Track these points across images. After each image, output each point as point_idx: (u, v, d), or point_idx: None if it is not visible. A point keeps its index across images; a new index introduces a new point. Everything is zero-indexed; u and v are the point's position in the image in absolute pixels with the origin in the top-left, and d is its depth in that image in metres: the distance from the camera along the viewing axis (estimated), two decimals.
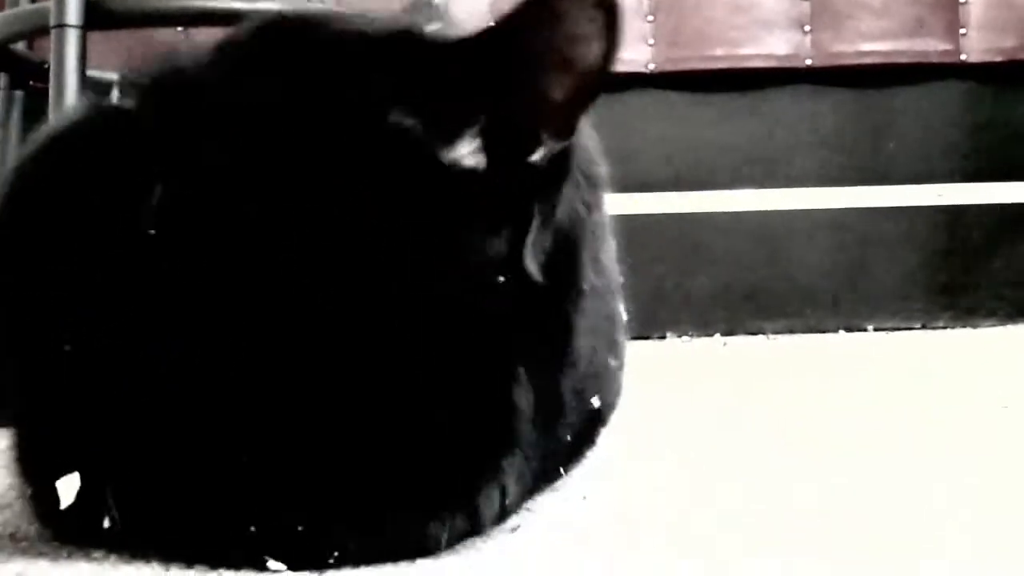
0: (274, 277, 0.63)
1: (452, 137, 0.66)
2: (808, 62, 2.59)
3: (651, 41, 2.58)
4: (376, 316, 0.63)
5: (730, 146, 2.63)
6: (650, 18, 2.58)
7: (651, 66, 2.59)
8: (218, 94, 0.67)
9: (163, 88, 0.69)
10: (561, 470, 0.86)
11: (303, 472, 0.65)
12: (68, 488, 0.66)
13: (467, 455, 0.69)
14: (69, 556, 0.69)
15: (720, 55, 2.60)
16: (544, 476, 0.81)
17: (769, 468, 0.99)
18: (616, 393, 0.96)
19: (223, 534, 0.66)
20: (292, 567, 0.66)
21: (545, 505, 0.86)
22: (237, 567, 0.66)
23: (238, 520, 0.65)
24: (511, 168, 0.67)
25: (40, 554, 0.69)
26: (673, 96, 2.64)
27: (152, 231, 0.64)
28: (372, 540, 0.67)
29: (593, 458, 1.00)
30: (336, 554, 0.66)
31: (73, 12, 1.39)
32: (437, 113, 0.65)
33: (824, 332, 2.56)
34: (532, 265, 0.67)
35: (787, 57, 2.59)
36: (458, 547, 0.72)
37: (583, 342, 0.76)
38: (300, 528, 0.65)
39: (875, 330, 2.58)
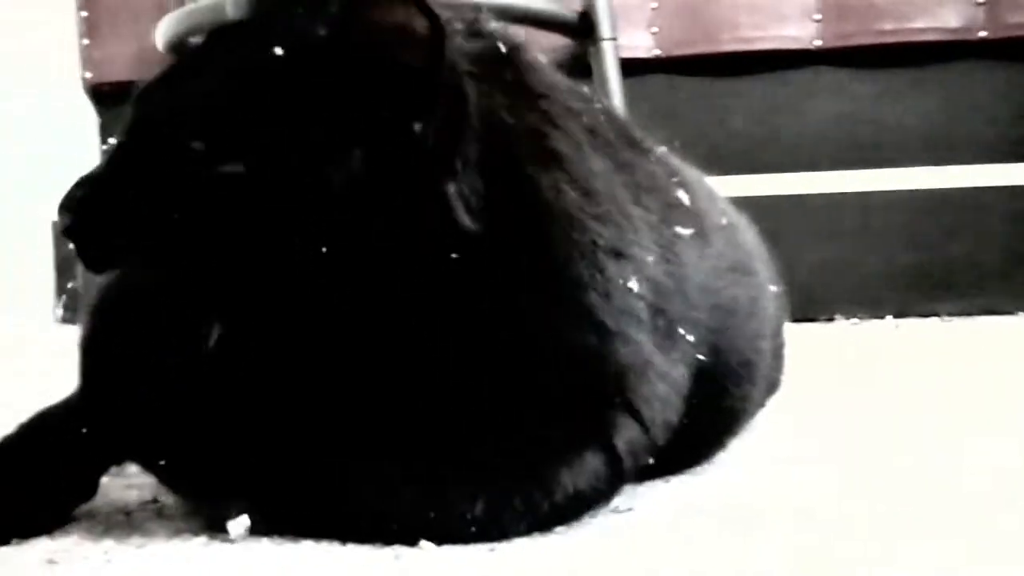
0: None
1: (340, 161, 0.69)
2: (982, 34, 2.50)
3: (817, 16, 2.53)
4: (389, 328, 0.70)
5: (900, 123, 2.56)
6: None
7: (817, 42, 2.54)
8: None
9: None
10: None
11: (433, 458, 0.71)
12: (238, 528, 0.71)
13: (560, 400, 0.73)
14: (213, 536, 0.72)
15: (889, 29, 2.53)
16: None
17: (938, 457, 0.97)
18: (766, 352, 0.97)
19: (375, 526, 0.71)
20: (439, 543, 0.70)
21: (703, 486, 0.86)
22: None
23: (386, 512, 0.71)
24: (401, 166, 0.69)
25: (188, 531, 0.74)
26: (840, 72, 2.58)
27: None
28: (498, 507, 0.71)
29: (755, 446, 1.00)
30: (473, 529, 0.70)
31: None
32: (316, 141, 0.69)
33: (1001, 314, 2.47)
34: (466, 220, 0.70)
35: (960, 30, 2.51)
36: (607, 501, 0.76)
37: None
38: (432, 511, 0.70)
39: None
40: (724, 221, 0.93)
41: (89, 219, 0.72)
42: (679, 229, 0.82)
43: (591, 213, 0.74)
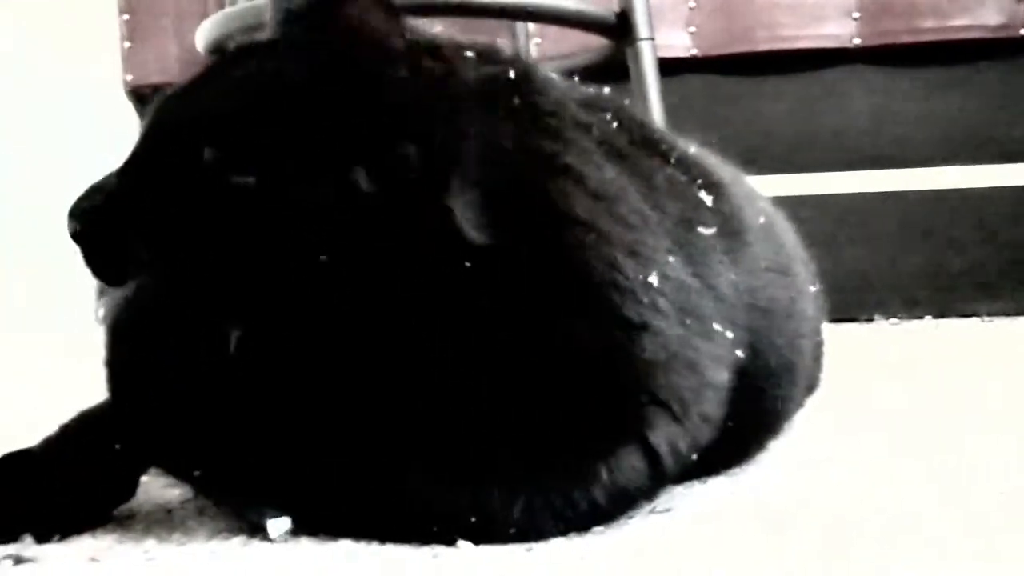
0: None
1: (343, 177, 0.70)
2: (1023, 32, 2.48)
3: (856, 15, 2.52)
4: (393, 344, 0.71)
5: (940, 121, 2.54)
6: None
7: (856, 41, 2.53)
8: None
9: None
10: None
11: (471, 458, 0.71)
12: (277, 528, 0.72)
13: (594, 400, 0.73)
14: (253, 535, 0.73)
15: (929, 27, 2.51)
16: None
17: (978, 458, 0.96)
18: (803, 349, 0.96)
19: (414, 524, 0.72)
20: (476, 542, 0.71)
21: (741, 486, 0.86)
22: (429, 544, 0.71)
23: (424, 512, 0.71)
24: (397, 189, 0.70)
25: (228, 529, 0.75)
26: (880, 71, 2.57)
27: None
28: (536, 507, 0.72)
29: (793, 447, 1.00)
30: (512, 530, 0.71)
31: None
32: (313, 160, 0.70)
33: None
34: (473, 234, 0.70)
35: (1000, 27, 2.49)
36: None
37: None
38: (470, 511, 0.71)
39: None
40: (761, 220, 0.92)
41: (96, 226, 0.74)
42: (701, 229, 0.82)
43: (605, 215, 0.75)
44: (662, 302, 0.75)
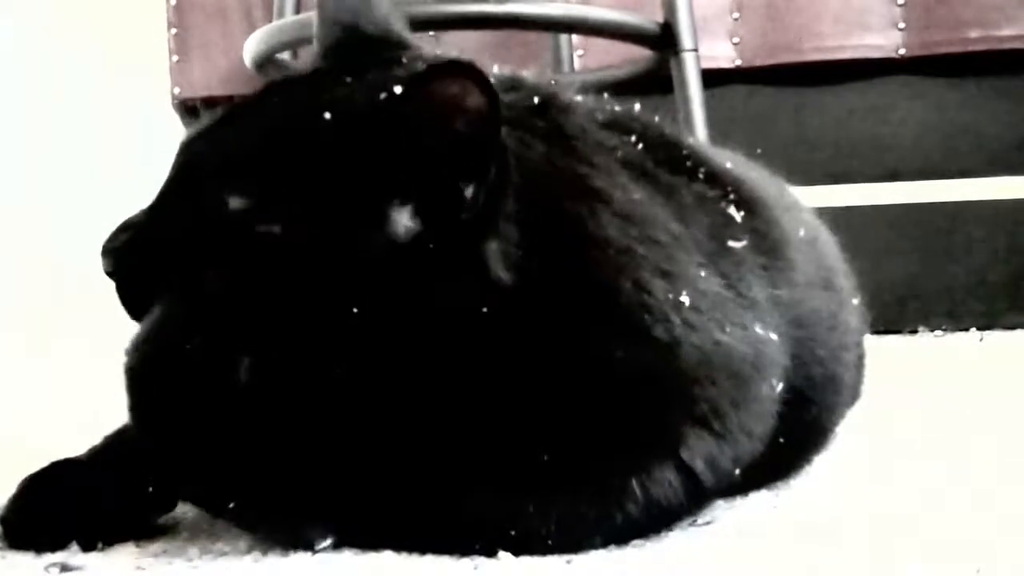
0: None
1: (380, 217, 0.69)
2: None
3: (901, 25, 2.50)
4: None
5: (987, 132, 2.52)
6: (900, 1, 2.50)
7: (902, 51, 2.51)
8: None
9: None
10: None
11: (508, 473, 0.72)
12: (323, 543, 0.72)
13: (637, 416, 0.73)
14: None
15: (976, 37, 2.48)
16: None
17: (1021, 474, 0.96)
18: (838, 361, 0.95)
19: (454, 535, 0.72)
20: (516, 554, 0.71)
21: (783, 500, 0.86)
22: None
23: (464, 524, 0.72)
24: (447, 229, 0.69)
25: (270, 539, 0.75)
26: (926, 81, 2.55)
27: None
28: (571, 519, 0.72)
29: (836, 459, 0.99)
30: (549, 542, 0.71)
31: None
32: (356, 199, 0.70)
33: None
34: (503, 274, 0.70)
35: None
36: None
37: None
38: (509, 523, 0.71)
39: None
40: (802, 233, 0.92)
41: (128, 263, 0.75)
42: (732, 244, 0.81)
43: (633, 236, 0.75)
44: (696, 319, 0.75)
